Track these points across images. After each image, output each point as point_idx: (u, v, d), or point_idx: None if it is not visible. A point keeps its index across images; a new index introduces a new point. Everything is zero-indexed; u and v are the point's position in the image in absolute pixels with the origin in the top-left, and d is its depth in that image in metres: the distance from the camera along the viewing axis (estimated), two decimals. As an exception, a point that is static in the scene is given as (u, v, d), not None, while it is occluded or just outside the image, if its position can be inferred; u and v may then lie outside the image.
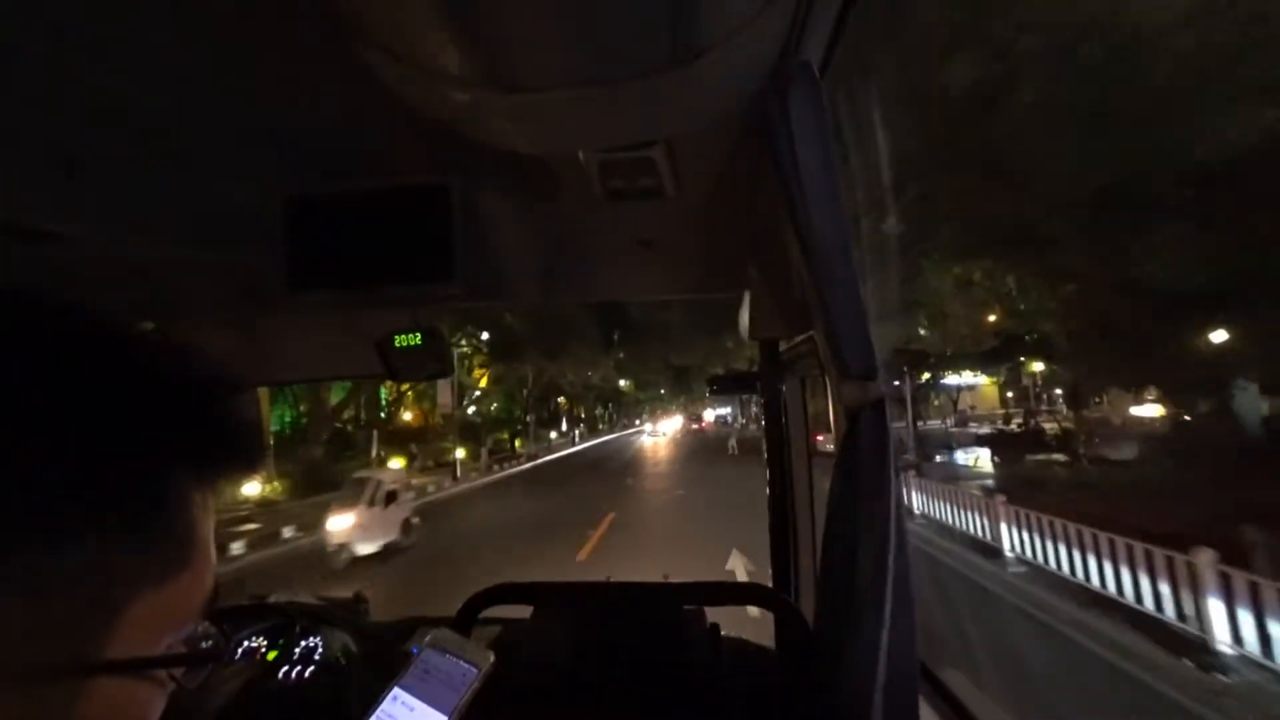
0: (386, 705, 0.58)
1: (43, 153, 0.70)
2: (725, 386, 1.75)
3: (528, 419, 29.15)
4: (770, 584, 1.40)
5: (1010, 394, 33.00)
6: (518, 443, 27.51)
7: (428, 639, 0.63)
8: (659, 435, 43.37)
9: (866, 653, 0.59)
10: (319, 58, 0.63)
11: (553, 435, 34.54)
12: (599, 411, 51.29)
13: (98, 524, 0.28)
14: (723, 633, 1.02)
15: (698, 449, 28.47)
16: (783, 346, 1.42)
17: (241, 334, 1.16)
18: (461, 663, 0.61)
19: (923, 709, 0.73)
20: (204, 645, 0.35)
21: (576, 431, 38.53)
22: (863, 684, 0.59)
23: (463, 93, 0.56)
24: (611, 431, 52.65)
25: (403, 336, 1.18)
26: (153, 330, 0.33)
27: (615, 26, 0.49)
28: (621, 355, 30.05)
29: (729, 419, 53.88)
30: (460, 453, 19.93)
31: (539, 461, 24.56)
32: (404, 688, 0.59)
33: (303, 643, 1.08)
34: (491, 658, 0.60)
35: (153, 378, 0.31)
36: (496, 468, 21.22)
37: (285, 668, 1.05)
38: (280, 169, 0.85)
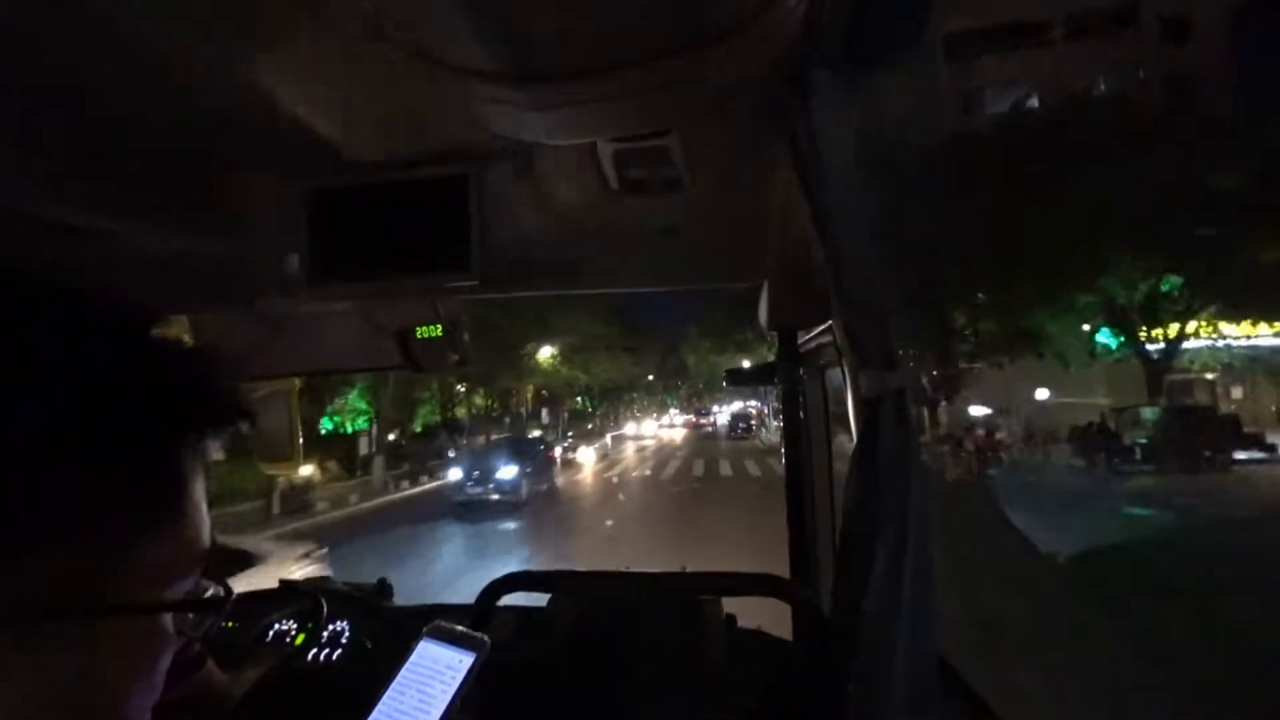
0: (390, 695, 0.60)
1: (67, 149, 0.72)
2: (743, 378, 1.75)
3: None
4: (787, 575, 1.39)
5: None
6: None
7: (425, 629, 0.65)
8: None
9: (883, 645, 0.59)
10: (338, 51, 0.64)
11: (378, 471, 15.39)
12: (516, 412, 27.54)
13: (103, 475, 0.30)
14: (739, 623, 1.02)
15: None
16: (801, 337, 1.40)
17: (264, 326, 1.19)
18: (458, 650, 0.62)
19: (942, 703, 0.72)
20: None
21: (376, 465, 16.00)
22: (879, 677, 0.59)
23: (480, 84, 0.57)
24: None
25: (424, 328, 1.20)
26: (157, 313, 0.37)
27: (629, 13, 0.49)
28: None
29: (751, 421, 30.14)
30: None
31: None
32: (405, 678, 0.61)
33: (330, 626, 1.11)
34: (488, 642, 0.62)
35: (153, 350, 0.35)
36: None
37: (313, 650, 1.08)
38: (300, 162, 0.86)
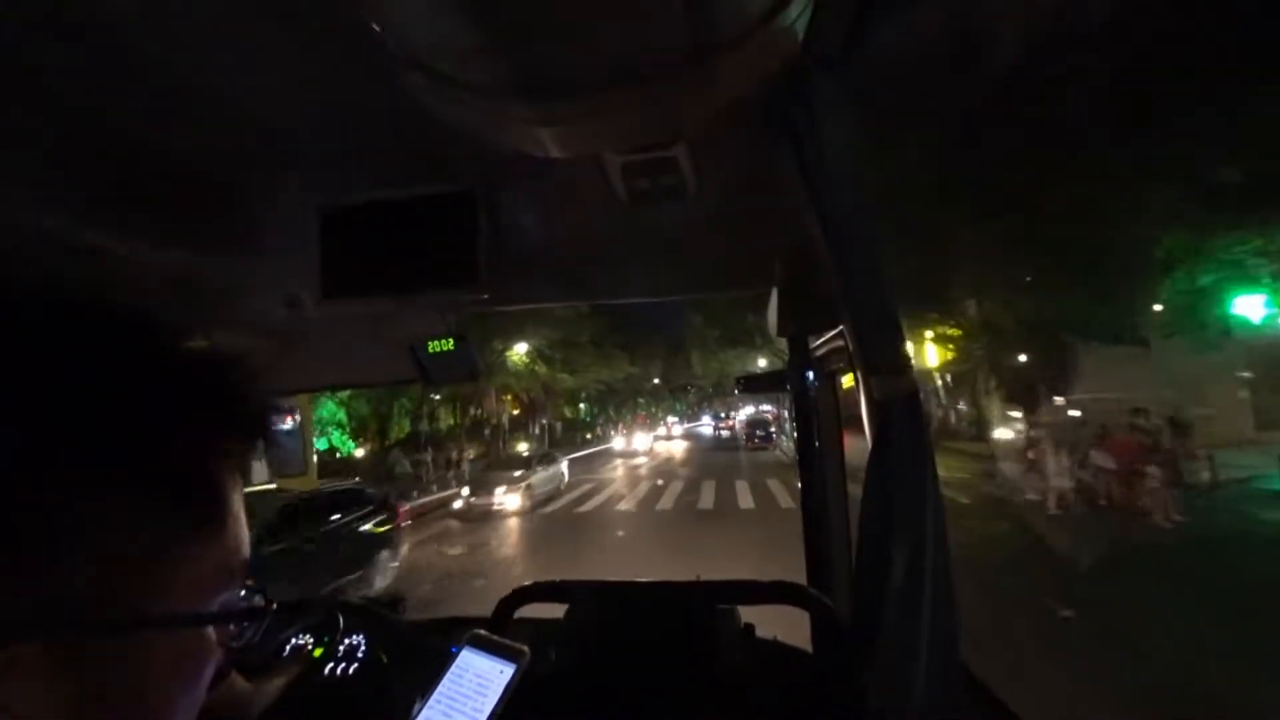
0: (432, 702, 0.60)
1: (90, 174, 0.74)
2: (755, 385, 1.74)
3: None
4: (805, 583, 1.38)
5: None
6: None
7: (466, 638, 0.65)
8: None
9: (904, 653, 0.58)
10: (347, 70, 0.65)
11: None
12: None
13: (137, 484, 0.31)
14: (757, 632, 1.01)
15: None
16: (812, 343, 1.40)
17: (279, 341, 1.20)
18: (499, 660, 0.62)
19: (967, 713, 0.71)
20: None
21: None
22: (901, 686, 0.58)
23: (487, 101, 0.57)
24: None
25: (436, 342, 1.21)
26: (190, 331, 0.37)
27: (635, 28, 0.49)
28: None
29: (770, 429, 25.80)
30: None
31: None
32: (447, 686, 0.61)
33: (347, 640, 1.11)
34: (527, 653, 0.62)
35: (182, 360, 0.35)
36: None
37: (330, 665, 1.08)
38: (312, 180, 0.88)
